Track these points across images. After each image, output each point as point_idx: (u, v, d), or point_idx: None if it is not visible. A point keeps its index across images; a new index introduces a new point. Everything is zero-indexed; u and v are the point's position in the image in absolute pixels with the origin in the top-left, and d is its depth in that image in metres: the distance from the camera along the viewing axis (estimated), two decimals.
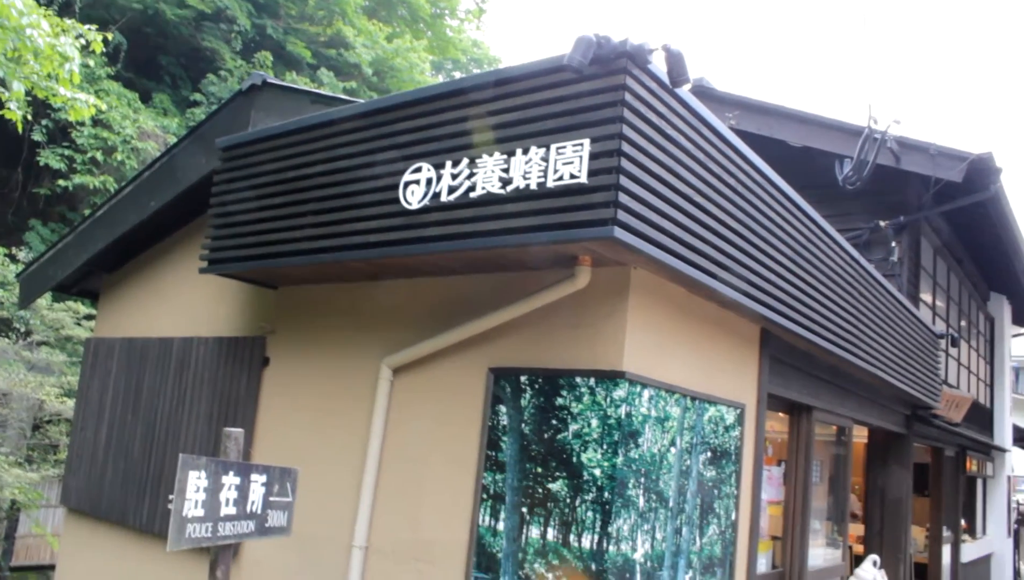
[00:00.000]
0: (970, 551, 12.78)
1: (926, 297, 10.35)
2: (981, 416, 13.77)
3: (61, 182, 14.82)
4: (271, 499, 3.03)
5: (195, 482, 2.65)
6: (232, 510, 2.83)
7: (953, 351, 11.43)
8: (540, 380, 4.01)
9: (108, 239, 6.82)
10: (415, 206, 3.95)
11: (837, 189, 8.67)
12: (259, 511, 2.97)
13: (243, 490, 2.88)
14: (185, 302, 6.49)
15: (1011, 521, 15.70)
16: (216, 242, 5.13)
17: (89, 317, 12.67)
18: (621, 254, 3.60)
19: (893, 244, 9.04)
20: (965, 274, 12.82)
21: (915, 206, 9.55)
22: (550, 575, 3.81)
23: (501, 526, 4.01)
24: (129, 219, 6.61)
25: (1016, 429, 16.81)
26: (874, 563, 8.57)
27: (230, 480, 2.82)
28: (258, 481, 2.95)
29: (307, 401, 5.27)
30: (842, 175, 8.57)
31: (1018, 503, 17.21)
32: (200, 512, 2.67)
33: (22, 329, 12.95)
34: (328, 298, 5.29)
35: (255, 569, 5.28)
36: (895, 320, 7.14)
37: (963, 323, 12.71)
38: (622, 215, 3.30)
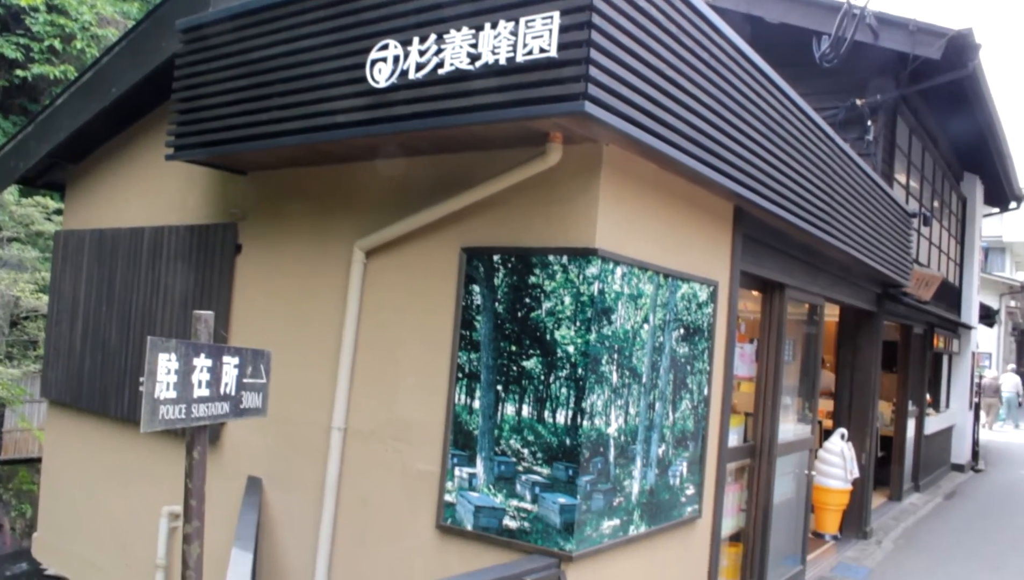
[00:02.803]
0: (933, 424, 13.23)
1: (900, 177, 10.37)
2: (950, 294, 14.02)
3: (19, 72, 14.31)
4: (245, 381, 3.04)
5: (165, 364, 2.64)
6: (205, 392, 2.83)
7: (925, 230, 11.53)
8: (513, 259, 4.01)
9: (70, 128, 6.63)
10: (383, 85, 3.85)
11: (814, 67, 8.54)
12: (233, 393, 2.98)
13: (215, 372, 2.88)
14: (154, 190, 6.38)
15: (972, 395, 16.21)
16: (181, 128, 5.01)
17: (59, 212, 12.46)
18: (592, 130, 3.55)
19: (869, 123, 8.99)
20: (940, 154, 12.83)
21: (892, 84, 9.46)
22: (526, 451, 3.89)
23: (477, 404, 4.08)
24: (91, 107, 6.41)
25: (982, 307, 17.18)
26: (842, 436, 8.86)
27: (201, 362, 2.81)
28: (230, 363, 2.95)
29: (281, 287, 5.26)
30: (819, 52, 8.43)
31: (980, 377, 17.73)
32: (172, 394, 2.68)
33: None
34: (298, 182, 5.21)
35: (236, 452, 5.38)
36: (869, 199, 7.16)
37: (936, 203, 12.80)
38: (593, 89, 3.24)
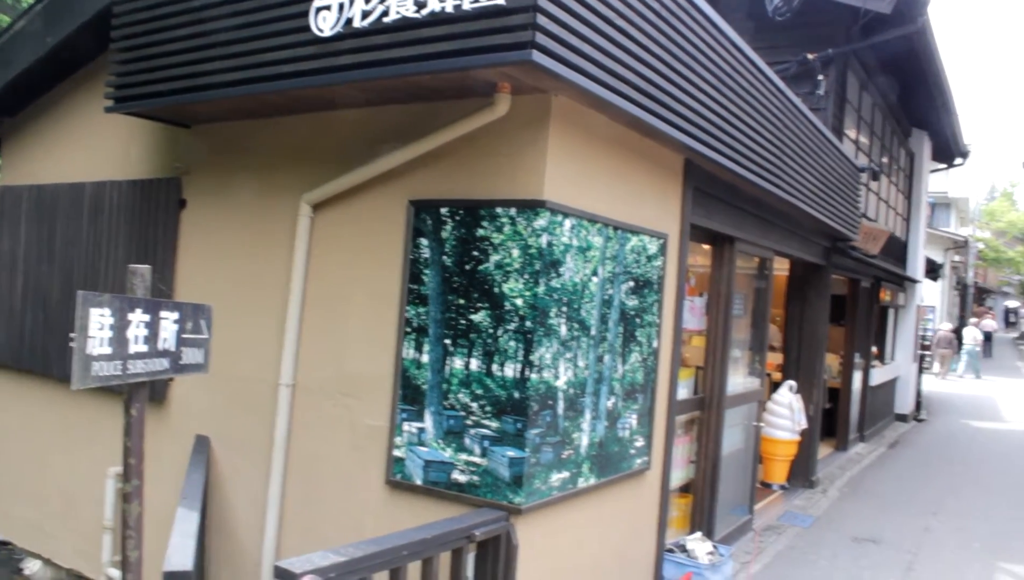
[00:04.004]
0: (879, 375, 13.53)
1: (850, 131, 10.46)
2: (896, 249, 14.27)
3: None
4: (185, 336, 2.96)
5: (98, 319, 2.55)
6: (143, 347, 2.75)
7: (873, 185, 11.68)
8: (461, 211, 3.96)
9: (4, 80, 6.39)
10: (327, 33, 3.75)
11: (766, 20, 8.53)
12: (173, 348, 2.91)
13: (153, 327, 2.80)
14: (95, 144, 6.19)
15: (917, 347, 16.59)
16: (121, 79, 4.85)
17: None
18: (540, 80, 3.49)
19: (820, 77, 9.02)
20: (889, 110, 12.96)
21: (843, 39, 9.49)
22: (474, 405, 3.88)
23: (425, 358, 4.05)
24: (25, 57, 6.19)
25: (928, 261, 17.52)
26: (790, 388, 9.02)
27: (138, 317, 2.73)
28: (169, 318, 2.87)
29: (227, 242, 5.15)
30: (772, 6, 8.41)
31: (924, 330, 18.14)
32: (107, 350, 2.60)
33: None
34: (243, 135, 5.08)
35: (183, 411, 5.30)
36: (819, 153, 7.20)
37: (884, 158, 12.95)
38: (540, 38, 3.18)
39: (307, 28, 3.82)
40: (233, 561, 4.97)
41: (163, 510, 4.65)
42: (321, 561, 2.96)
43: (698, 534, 5.70)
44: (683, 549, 5.40)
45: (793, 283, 9.73)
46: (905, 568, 6.78)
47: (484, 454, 3.84)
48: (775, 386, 9.41)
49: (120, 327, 2.66)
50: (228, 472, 5.02)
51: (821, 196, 7.35)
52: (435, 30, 3.41)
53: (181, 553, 3.34)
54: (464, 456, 3.90)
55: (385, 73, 3.59)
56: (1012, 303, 52.88)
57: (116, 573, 5.27)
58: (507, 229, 3.79)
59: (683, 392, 5.80)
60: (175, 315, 2.93)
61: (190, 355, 3.02)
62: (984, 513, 8.86)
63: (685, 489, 6.34)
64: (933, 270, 19.12)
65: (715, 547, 5.48)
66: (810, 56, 9.02)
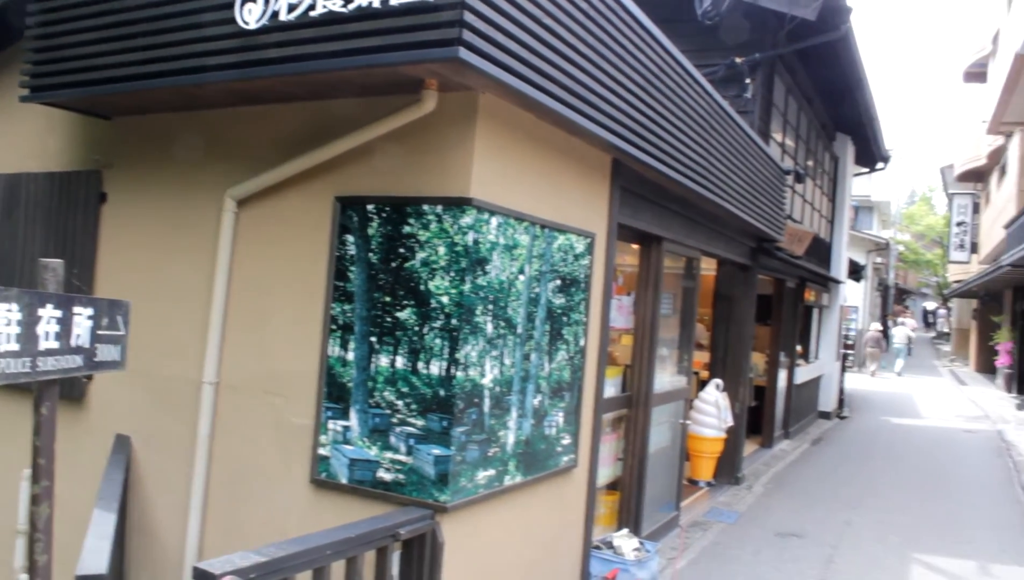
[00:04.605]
0: (803, 373, 13.86)
1: (776, 134, 10.69)
2: (821, 250, 14.63)
3: None
4: (100, 333, 2.88)
5: (5, 315, 2.47)
6: (54, 344, 2.67)
7: (799, 187, 11.96)
8: (387, 208, 3.93)
9: None
10: (253, 26, 3.69)
11: (695, 24, 8.66)
12: (86, 345, 2.82)
13: (66, 323, 2.72)
14: (10, 134, 5.98)
15: (840, 346, 17.04)
16: (37, 67, 4.69)
17: None
18: (467, 77, 3.50)
19: (747, 81, 9.19)
20: (814, 114, 13.28)
21: (770, 44, 9.70)
22: (400, 402, 3.86)
23: (351, 356, 4.01)
24: None
25: (851, 263, 18.01)
26: (717, 386, 9.17)
27: (48, 313, 2.64)
28: (83, 314, 2.79)
29: (150, 237, 5.03)
30: (701, 9, 8.54)
31: (847, 329, 18.64)
32: (14, 346, 2.51)
33: None
34: (167, 128, 4.97)
35: (103, 410, 5.16)
36: (745, 155, 7.34)
37: (810, 162, 13.27)
38: (468, 35, 3.18)
39: (232, 20, 3.76)
40: (154, 562, 4.86)
41: (82, 512, 4.52)
42: (241, 562, 2.91)
43: (625, 531, 5.77)
44: (610, 546, 5.45)
45: (720, 283, 9.90)
46: (826, 561, 6.96)
47: (410, 452, 3.83)
48: (702, 384, 9.56)
49: (29, 323, 2.58)
50: (149, 472, 4.91)
51: (747, 197, 7.50)
52: (362, 25, 3.39)
53: (95, 556, 3.25)
54: (390, 454, 3.88)
55: (311, 68, 3.56)
56: (930, 304, 54.74)
57: (26, 579, 5.10)
58: (433, 226, 3.79)
59: (610, 390, 5.86)
60: (89, 311, 2.85)
61: (106, 352, 2.94)
62: (901, 507, 9.15)
63: (612, 486, 6.41)
64: (856, 271, 19.66)
65: (641, 543, 5.54)
66: (738, 60, 9.19)
